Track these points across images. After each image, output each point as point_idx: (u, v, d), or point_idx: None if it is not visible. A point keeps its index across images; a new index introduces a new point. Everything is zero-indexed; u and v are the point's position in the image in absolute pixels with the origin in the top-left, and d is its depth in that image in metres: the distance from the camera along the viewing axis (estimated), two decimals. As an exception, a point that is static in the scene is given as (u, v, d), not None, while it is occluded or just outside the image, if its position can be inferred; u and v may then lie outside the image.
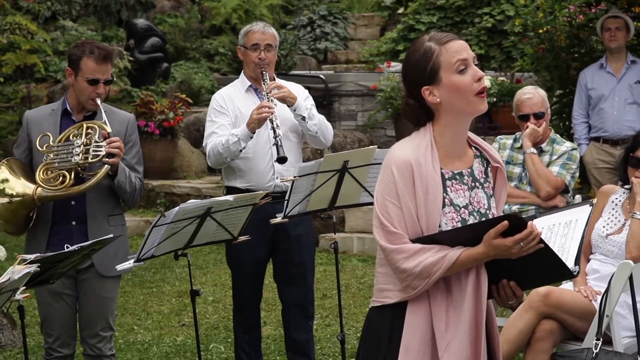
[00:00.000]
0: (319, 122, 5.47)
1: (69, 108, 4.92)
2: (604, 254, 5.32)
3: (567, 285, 5.42)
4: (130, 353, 6.63)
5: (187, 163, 12.76)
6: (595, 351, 4.67)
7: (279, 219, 5.01)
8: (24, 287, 4.06)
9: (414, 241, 3.16)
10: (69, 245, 4.54)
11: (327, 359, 6.44)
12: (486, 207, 3.29)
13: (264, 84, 5.43)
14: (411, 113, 3.29)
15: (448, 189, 3.23)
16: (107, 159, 4.70)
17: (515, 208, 6.17)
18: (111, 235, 4.51)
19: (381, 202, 3.20)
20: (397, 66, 11.82)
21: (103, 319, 4.94)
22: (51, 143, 4.80)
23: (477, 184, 3.30)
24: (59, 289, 4.84)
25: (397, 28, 13.46)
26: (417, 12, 13.06)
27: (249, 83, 5.57)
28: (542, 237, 3.18)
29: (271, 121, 5.27)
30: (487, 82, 10.30)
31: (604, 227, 5.36)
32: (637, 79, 8.02)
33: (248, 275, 5.54)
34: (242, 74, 5.64)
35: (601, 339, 4.72)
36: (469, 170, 3.30)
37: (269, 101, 5.33)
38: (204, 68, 15.79)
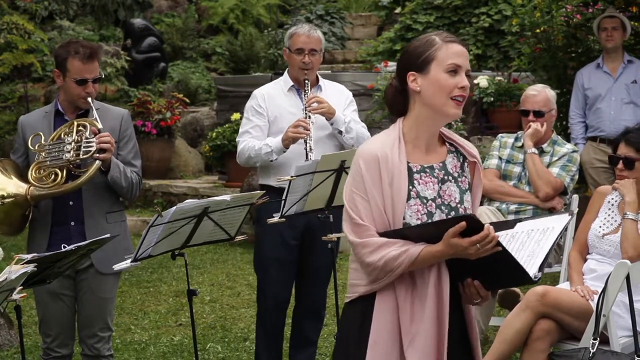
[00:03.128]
0: (356, 135, 5.48)
1: (61, 109, 4.91)
2: (600, 254, 5.32)
3: (564, 285, 5.42)
4: (128, 353, 6.63)
5: (184, 163, 12.76)
6: (592, 351, 4.67)
7: (275, 219, 5.01)
8: (21, 287, 4.05)
9: (381, 234, 3.20)
10: (66, 245, 4.54)
11: (324, 359, 6.44)
12: (457, 201, 3.32)
13: (305, 95, 5.44)
14: (391, 93, 3.35)
15: (415, 181, 3.27)
16: (98, 155, 4.69)
17: (513, 207, 6.17)
18: (108, 235, 4.50)
19: (349, 195, 3.25)
20: (394, 66, 11.81)
21: (101, 320, 4.94)
22: (43, 142, 4.80)
23: (450, 177, 3.33)
24: (57, 289, 4.83)
25: (394, 28, 13.46)
26: (414, 12, 13.06)
27: (292, 83, 5.57)
28: (519, 241, 3.22)
29: (305, 142, 5.29)
30: (484, 82, 10.36)
31: (600, 227, 5.36)
32: (633, 78, 8.02)
33: (274, 276, 5.53)
34: (286, 72, 5.65)
35: (598, 338, 4.72)
36: (441, 164, 3.33)
37: (307, 116, 5.33)
38: (201, 68, 15.80)
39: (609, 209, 5.39)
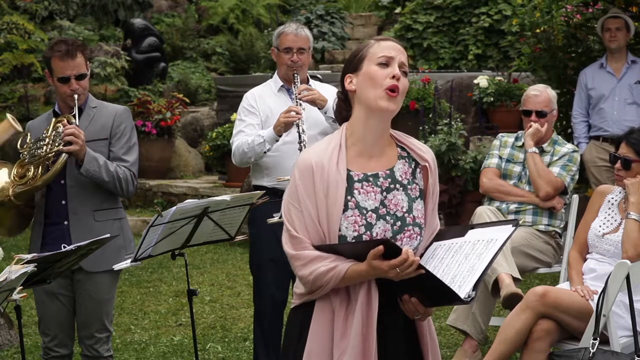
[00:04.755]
0: None
1: (57, 109, 4.93)
2: (600, 254, 5.32)
3: (564, 285, 5.42)
4: (128, 353, 6.63)
5: (184, 163, 12.76)
6: (592, 351, 4.67)
7: (276, 218, 5.00)
8: (21, 287, 4.06)
9: (317, 248, 3.13)
10: (65, 245, 4.53)
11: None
12: (405, 210, 3.21)
13: (294, 87, 5.42)
14: (338, 105, 3.33)
15: (355, 191, 3.18)
16: (63, 147, 4.69)
17: (513, 207, 6.17)
18: (108, 235, 4.49)
19: (286, 206, 3.19)
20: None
21: (98, 321, 4.92)
22: (28, 142, 4.83)
23: (398, 185, 3.23)
24: (54, 289, 4.83)
25: (395, 28, 13.47)
26: (414, 12, 13.08)
27: (281, 83, 5.56)
28: (463, 253, 3.13)
29: (297, 126, 5.26)
30: (484, 82, 10.35)
31: (600, 226, 5.36)
32: (637, 79, 8.01)
33: (269, 277, 5.50)
34: (275, 74, 5.64)
35: (598, 338, 4.72)
36: (388, 171, 3.23)
37: (298, 105, 5.33)
38: (201, 68, 15.81)
39: (609, 209, 5.39)
